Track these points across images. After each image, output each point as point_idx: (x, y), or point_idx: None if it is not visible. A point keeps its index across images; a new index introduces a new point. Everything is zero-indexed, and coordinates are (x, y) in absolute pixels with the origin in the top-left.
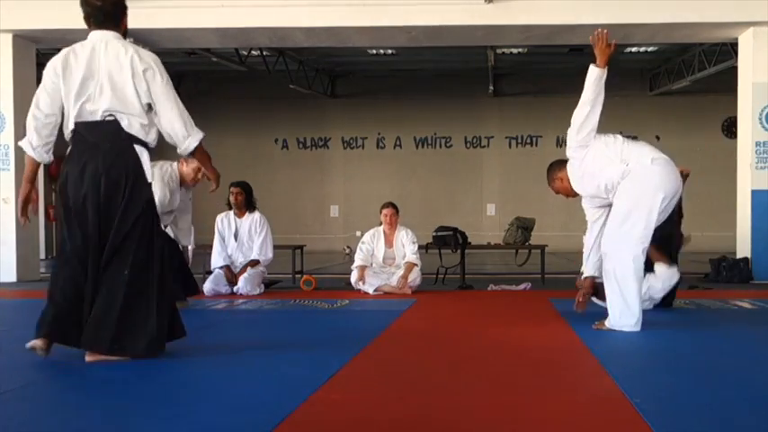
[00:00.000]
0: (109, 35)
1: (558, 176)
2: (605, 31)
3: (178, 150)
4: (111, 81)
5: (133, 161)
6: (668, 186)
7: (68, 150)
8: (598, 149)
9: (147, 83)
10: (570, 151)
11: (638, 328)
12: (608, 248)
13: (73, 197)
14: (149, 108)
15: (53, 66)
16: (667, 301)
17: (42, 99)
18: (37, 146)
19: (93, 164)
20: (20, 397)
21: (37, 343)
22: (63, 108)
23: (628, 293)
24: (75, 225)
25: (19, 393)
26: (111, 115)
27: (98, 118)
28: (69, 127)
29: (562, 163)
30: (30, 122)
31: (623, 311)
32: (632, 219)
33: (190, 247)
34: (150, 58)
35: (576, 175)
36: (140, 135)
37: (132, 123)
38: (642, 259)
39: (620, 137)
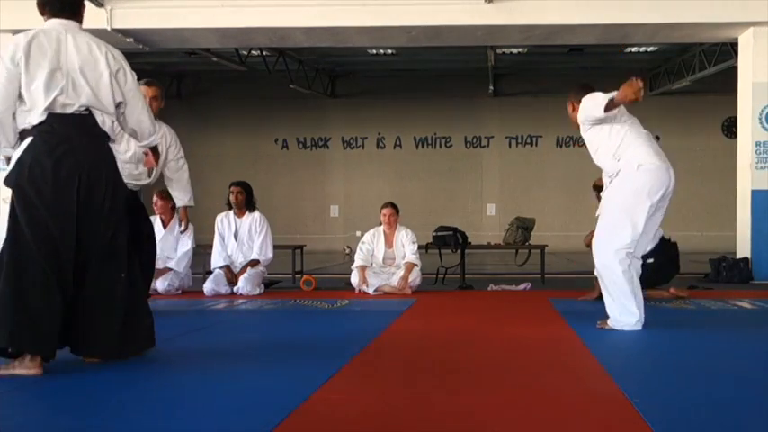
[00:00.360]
0: (71, 25)
1: (573, 102)
2: (641, 83)
3: (138, 143)
4: (84, 76)
5: (111, 159)
6: (654, 192)
7: (29, 141)
8: (602, 132)
9: (119, 82)
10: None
11: (638, 327)
12: (597, 253)
13: (40, 192)
14: (118, 106)
15: (10, 55)
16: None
17: (1, 89)
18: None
19: (71, 159)
20: (19, 398)
21: (36, 370)
22: (17, 98)
23: (621, 295)
24: (39, 221)
25: (18, 394)
26: (86, 110)
27: (69, 111)
28: (36, 118)
29: (586, 91)
30: None
31: (622, 311)
32: (619, 226)
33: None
34: (120, 57)
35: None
36: (110, 133)
37: (105, 121)
38: (627, 262)
39: (626, 124)
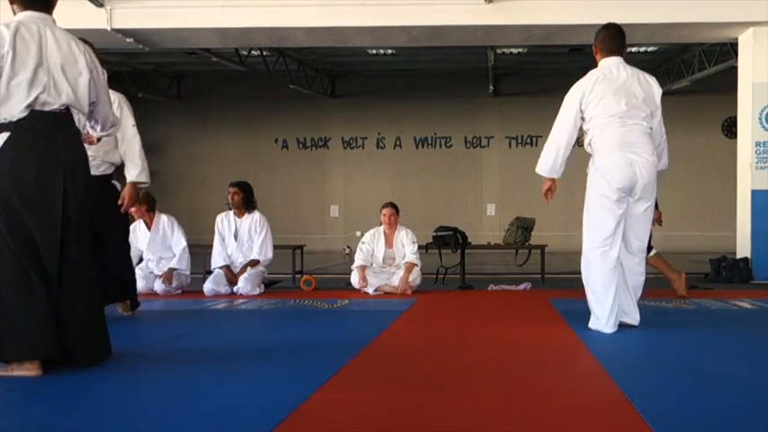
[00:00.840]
0: (48, 19)
1: (596, 46)
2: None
3: (97, 133)
4: (65, 74)
5: (86, 158)
6: (610, 190)
7: (7, 137)
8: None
9: (95, 82)
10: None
11: (608, 330)
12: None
13: (21, 190)
14: (90, 104)
15: None
16: None
17: None
18: None
19: (53, 158)
20: (19, 398)
21: (35, 371)
22: None
23: (590, 294)
24: (18, 221)
25: (18, 394)
26: (66, 109)
27: (48, 109)
28: (15, 113)
29: (613, 42)
30: None
31: (593, 312)
32: (586, 228)
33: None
34: (93, 55)
35: None
36: (82, 131)
37: (81, 120)
38: (603, 262)
39: (600, 118)
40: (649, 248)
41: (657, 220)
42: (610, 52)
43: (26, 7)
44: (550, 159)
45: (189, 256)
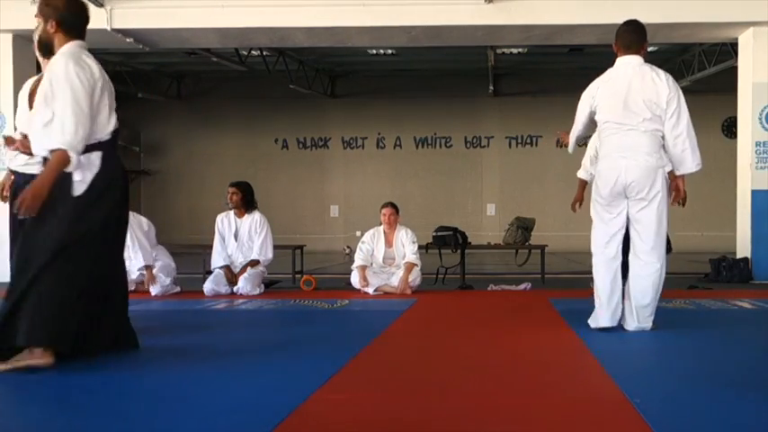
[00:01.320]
0: (86, 48)
1: (617, 44)
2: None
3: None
4: (110, 100)
5: None
6: (599, 194)
7: (102, 155)
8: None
9: None
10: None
11: (601, 323)
12: None
13: (119, 213)
14: None
15: (90, 70)
16: None
17: (85, 100)
18: (80, 151)
19: (121, 172)
20: (19, 398)
21: (47, 359)
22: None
23: (595, 295)
24: (98, 230)
25: (18, 394)
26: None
27: (115, 128)
28: (103, 135)
29: (628, 38)
30: (78, 125)
31: (595, 310)
32: (593, 227)
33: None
34: None
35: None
36: None
37: None
38: (603, 264)
39: (607, 128)
40: (669, 249)
41: (682, 200)
42: (626, 49)
43: (76, 37)
44: (574, 141)
45: (142, 248)
